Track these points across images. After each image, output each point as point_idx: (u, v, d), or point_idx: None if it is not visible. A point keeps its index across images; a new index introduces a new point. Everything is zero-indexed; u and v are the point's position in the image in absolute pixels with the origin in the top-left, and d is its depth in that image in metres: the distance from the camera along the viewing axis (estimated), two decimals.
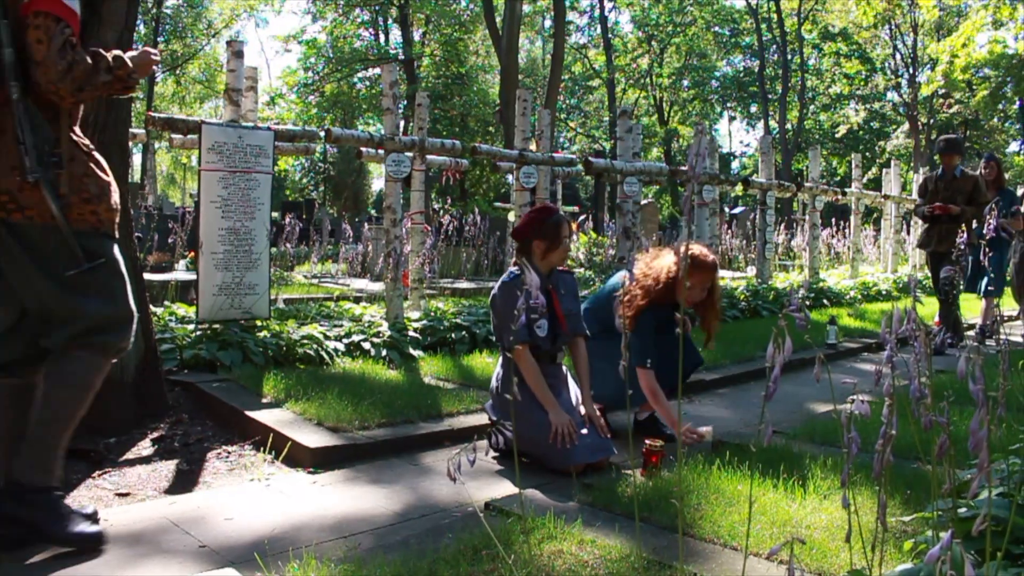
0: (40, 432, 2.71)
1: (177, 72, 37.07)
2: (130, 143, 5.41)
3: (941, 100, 34.12)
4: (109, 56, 2.65)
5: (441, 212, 16.62)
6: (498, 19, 22.21)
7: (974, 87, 30.95)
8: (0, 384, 2.77)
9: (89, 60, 2.59)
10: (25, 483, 2.66)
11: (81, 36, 3.11)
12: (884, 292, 11.52)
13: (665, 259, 4.00)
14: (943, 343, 7.49)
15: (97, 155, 2.79)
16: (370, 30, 34.91)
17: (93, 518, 2.82)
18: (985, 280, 7.91)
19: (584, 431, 3.73)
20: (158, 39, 33.37)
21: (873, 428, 2.61)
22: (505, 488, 3.46)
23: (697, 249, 4.00)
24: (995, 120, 35.62)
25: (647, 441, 3.63)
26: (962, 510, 1.90)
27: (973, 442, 1.24)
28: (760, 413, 5.02)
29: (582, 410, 3.86)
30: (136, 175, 24.15)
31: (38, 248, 2.64)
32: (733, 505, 3.02)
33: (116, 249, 2.80)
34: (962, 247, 6.66)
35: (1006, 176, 8.91)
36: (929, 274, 8.41)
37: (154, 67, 2.89)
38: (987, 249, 7.57)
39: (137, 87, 2.85)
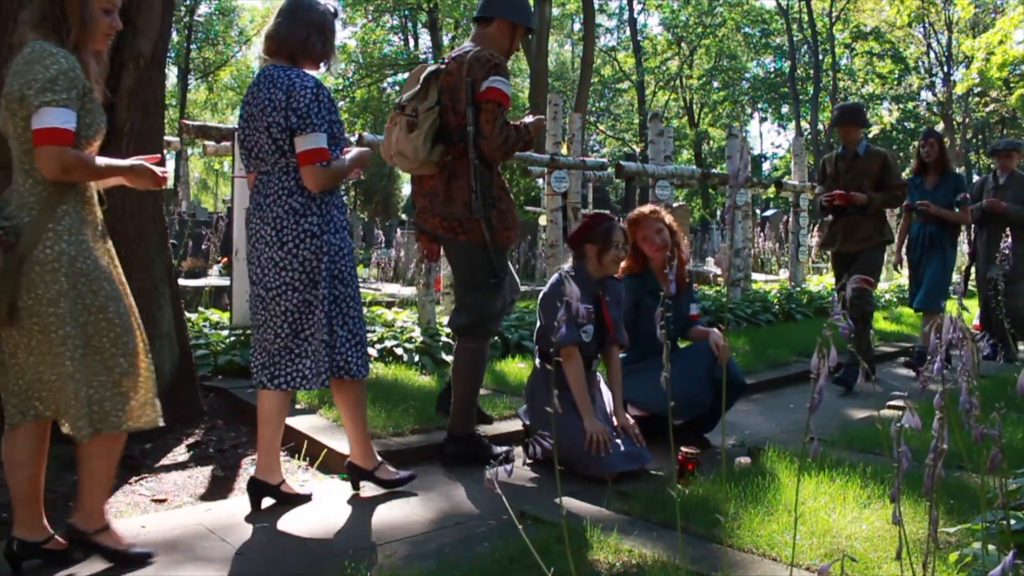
0: (458, 398, 3.84)
1: (209, 79, 37.48)
2: (164, 150, 5.46)
3: (977, 98, 33.61)
4: (521, 126, 3.74)
5: None
6: None
7: (1011, 85, 30.43)
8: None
9: (515, 132, 3.64)
10: (458, 434, 3.85)
11: (118, 47, 3.48)
12: None
13: None
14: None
15: (508, 193, 3.79)
16: (400, 35, 35.11)
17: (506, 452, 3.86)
18: (922, 290, 6.61)
19: (619, 440, 3.71)
20: (190, 46, 33.79)
21: (912, 435, 2.57)
22: (539, 496, 3.44)
23: (637, 210, 4.46)
24: None
25: (682, 448, 3.59)
26: (1013, 522, 1.85)
27: None
28: (796, 420, 4.96)
29: (616, 420, 3.83)
30: (169, 181, 24.42)
31: (470, 259, 3.73)
32: (772, 514, 2.98)
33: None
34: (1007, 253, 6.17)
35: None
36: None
37: (543, 128, 4.06)
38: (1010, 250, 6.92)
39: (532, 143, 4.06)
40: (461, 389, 3.84)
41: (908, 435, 1.68)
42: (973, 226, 7.50)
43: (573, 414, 3.67)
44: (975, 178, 18.96)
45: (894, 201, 6.04)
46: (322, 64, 3.27)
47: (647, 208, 4.40)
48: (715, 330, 4.25)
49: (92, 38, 2.63)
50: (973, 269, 7.53)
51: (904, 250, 6.93)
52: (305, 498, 3.36)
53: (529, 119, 3.85)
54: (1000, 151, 7.29)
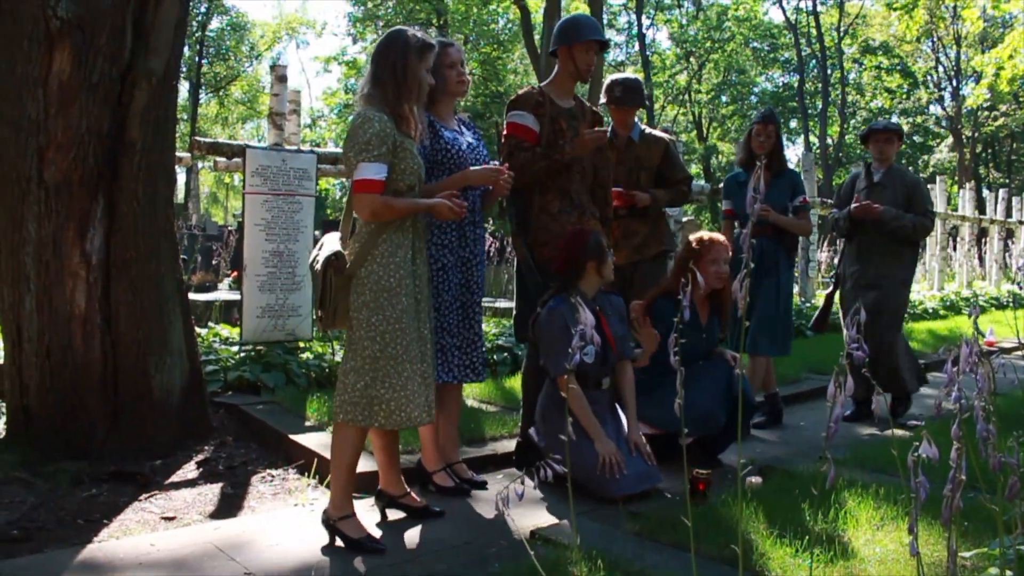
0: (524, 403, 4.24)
1: (220, 93, 37.69)
2: (176, 166, 5.47)
3: (986, 112, 33.54)
4: (541, 150, 3.94)
5: None
6: (536, 37, 22.29)
7: (1020, 99, 30.38)
8: None
9: (525, 159, 3.90)
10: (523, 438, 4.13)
11: (131, 64, 3.70)
12: (930, 310, 11.29)
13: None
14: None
15: (556, 211, 3.98)
16: None
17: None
18: (753, 328, 5.10)
19: (632, 457, 3.69)
20: (202, 61, 33.99)
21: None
22: (549, 516, 3.42)
23: (706, 233, 4.34)
24: None
25: (694, 469, 3.56)
26: None
27: None
28: (808, 439, 4.88)
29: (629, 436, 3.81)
30: (180, 195, 24.55)
31: (518, 272, 4.12)
32: (784, 536, 2.95)
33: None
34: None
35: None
36: None
37: (597, 143, 4.01)
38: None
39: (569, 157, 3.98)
40: (524, 396, 4.24)
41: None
42: (840, 240, 5.77)
43: (583, 435, 3.65)
44: (985, 194, 18.83)
45: (680, 199, 4.90)
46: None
47: (720, 236, 4.32)
48: (731, 352, 4.24)
49: (419, 99, 3.22)
50: (837, 296, 5.62)
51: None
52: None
53: (582, 137, 3.98)
54: (879, 131, 5.40)
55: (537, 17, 23.48)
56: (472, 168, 3.67)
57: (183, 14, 4.29)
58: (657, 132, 4.89)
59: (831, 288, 5.67)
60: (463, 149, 3.72)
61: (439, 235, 3.66)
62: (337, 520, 3.10)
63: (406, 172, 3.14)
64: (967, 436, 1.56)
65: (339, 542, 3.09)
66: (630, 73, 4.95)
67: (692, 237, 4.32)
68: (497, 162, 3.87)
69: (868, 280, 5.23)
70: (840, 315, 5.63)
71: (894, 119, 37.45)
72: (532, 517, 3.37)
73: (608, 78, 4.82)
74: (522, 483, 1.85)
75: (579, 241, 3.82)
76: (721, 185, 5.74)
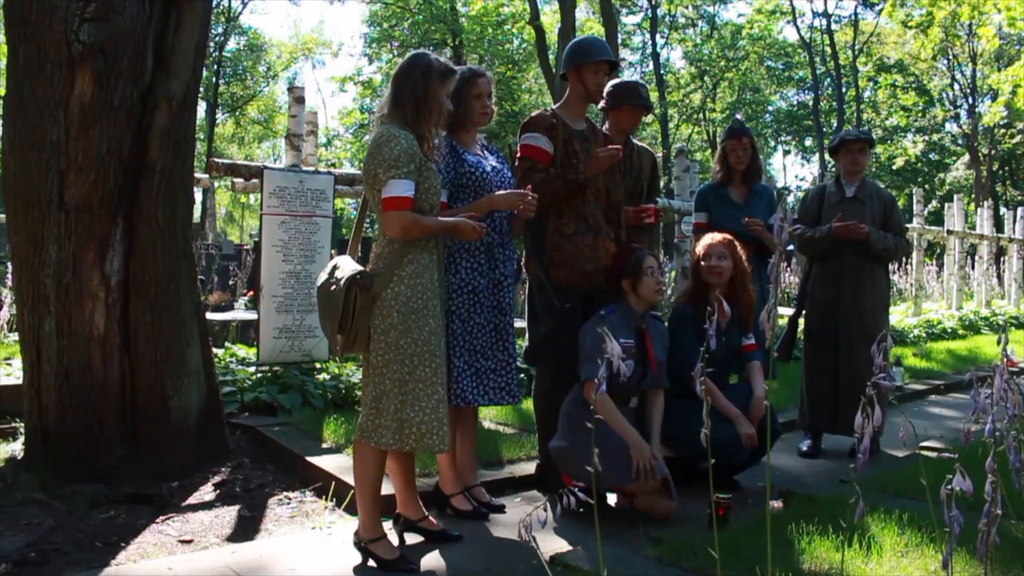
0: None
1: (236, 113, 38.00)
2: (194, 187, 5.50)
3: (1003, 131, 33.37)
4: (555, 171, 3.92)
5: None
6: (551, 58, 22.37)
7: None
8: None
9: (539, 180, 3.82)
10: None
11: (151, 87, 3.79)
12: (949, 330, 11.18)
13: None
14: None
15: (571, 233, 3.95)
16: None
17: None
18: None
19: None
20: (219, 81, 34.29)
21: (949, 467, 2.49)
22: (568, 541, 3.38)
23: (715, 236, 4.26)
24: None
25: (715, 494, 3.52)
26: None
27: None
28: (826, 462, 4.79)
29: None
30: (197, 214, 24.71)
31: (531, 292, 4.08)
32: (807, 562, 2.91)
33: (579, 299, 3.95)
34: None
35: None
36: None
37: (611, 161, 3.93)
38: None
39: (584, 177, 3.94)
40: (537, 418, 4.17)
41: (943, 472, 1.65)
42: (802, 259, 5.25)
43: (604, 428, 3.52)
44: (1003, 212, 18.70)
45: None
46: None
47: (718, 235, 4.23)
48: (760, 396, 4.16)
49: (437, 121, 3.24)
50: (801, 323, 5.26)
51: None
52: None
53: (594, 158, 3.93)
54: (852, 141, 4.95)
55: (552, 37, 23.58)
56: (498, 192, 3.68)
57: (203, 38, 4.32)
58: (637, 143, 4.77)
59: (794, 312, 5.24)
60: (487, 172, 3.73)
61: (469, 258, 3.67)
62: (369, 542, 3.11)
63: (429, 192, 3.16)
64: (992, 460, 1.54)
65: (371, 563, 3.09)
66: (624, 81, 4.51)
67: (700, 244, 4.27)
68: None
69: (846, 307, 4.84)
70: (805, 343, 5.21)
71: (909, 137, 37.40)
72: (550, 541, 3.33)
73: (618, 81, 4.55)
74: (544, 510, 1.83)
75: (619, 259, 3.93)
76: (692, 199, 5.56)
